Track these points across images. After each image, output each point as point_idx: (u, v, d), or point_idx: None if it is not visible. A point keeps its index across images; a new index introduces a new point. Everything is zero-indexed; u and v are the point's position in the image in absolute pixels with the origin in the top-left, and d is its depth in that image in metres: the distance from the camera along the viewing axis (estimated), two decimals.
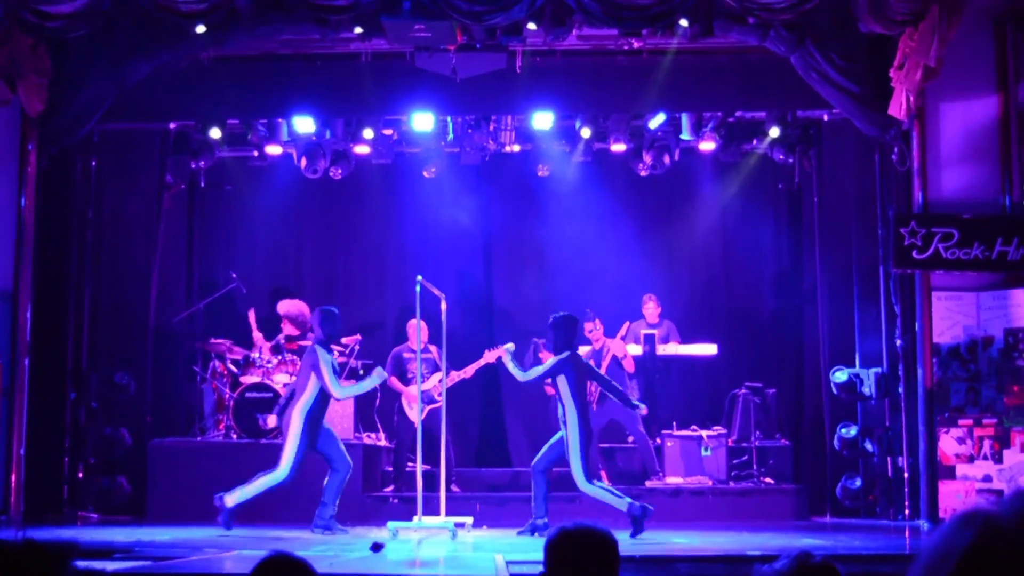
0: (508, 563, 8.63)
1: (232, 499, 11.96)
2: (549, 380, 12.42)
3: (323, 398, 12.10)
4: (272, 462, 12.13)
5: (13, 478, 13.07)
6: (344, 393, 12.41)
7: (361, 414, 15.28)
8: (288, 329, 15.35)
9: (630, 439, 15.15)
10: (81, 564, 2.38)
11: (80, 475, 14.09)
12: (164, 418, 15.21)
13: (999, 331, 13.03)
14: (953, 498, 12.63)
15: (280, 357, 15.06)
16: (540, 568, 4.20)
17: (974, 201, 13.25)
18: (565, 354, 12.15)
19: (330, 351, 12.30)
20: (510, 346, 12.84)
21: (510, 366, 12.50)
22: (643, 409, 13.56)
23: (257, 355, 15.02)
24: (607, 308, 15.64)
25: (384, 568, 8.93)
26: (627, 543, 10.63)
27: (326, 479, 12.10)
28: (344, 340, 15.27)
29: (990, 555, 1.37)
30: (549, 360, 12.40)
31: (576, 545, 4.05)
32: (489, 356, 14.62)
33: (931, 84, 12.63)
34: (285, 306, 15.52)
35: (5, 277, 13.50)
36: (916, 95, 12.53)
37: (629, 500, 11.85)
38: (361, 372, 15.40)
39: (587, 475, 12.01)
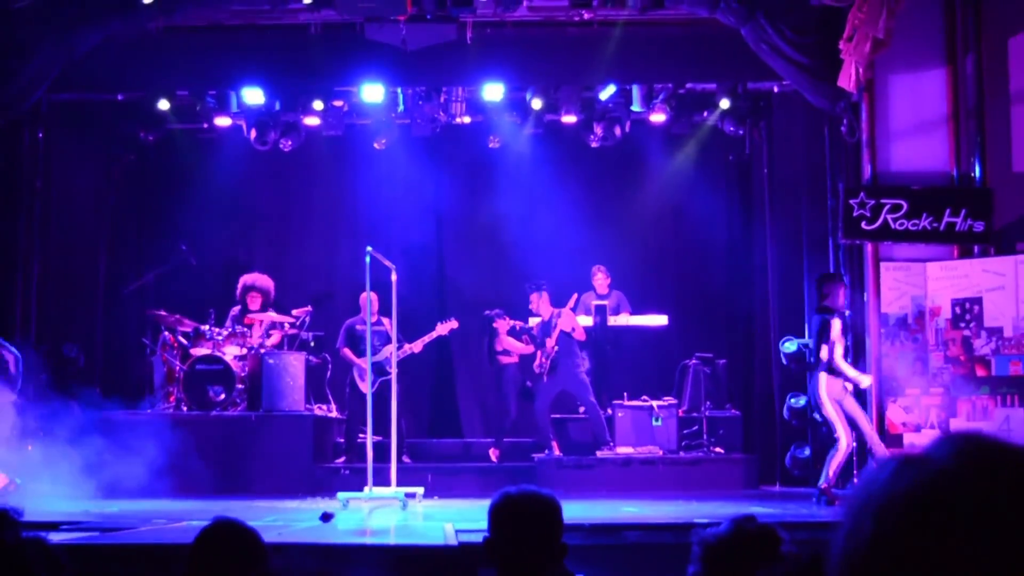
0: (457, 531, 8.65)
1: None
2: None
3: None
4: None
5: None
6: None
7: (312, 385, 15.26)
8: (252, 302, 15.30)
9: (581, 409, 15.21)
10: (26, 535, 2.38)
11: (29, 448, 14.00)
12: (114, 390, 15.13)
13: (947, 301, 13.14)
14: None
15: (231, 329, 15.02)
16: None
17: (923, 173, 13.35)
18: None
19: None
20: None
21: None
22: None
23: (208, 327, 14.95)
24: (558, 279, 15.66)
25: (334, 537, 8.93)
26: (575, 511, 10.68)
27: None
28: (295, 311, 15.28)
29: (936, 496, 1.39)
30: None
31: (520, 509, 4.07)
32: (441, 328, 14.67)
33: (880, 56, 12.68)
34: (253, 277, 15.50)
35: None
36: (865, 67, 12.57)
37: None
38: (312, 343, 15.39)
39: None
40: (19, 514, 2.11)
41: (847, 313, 13.67)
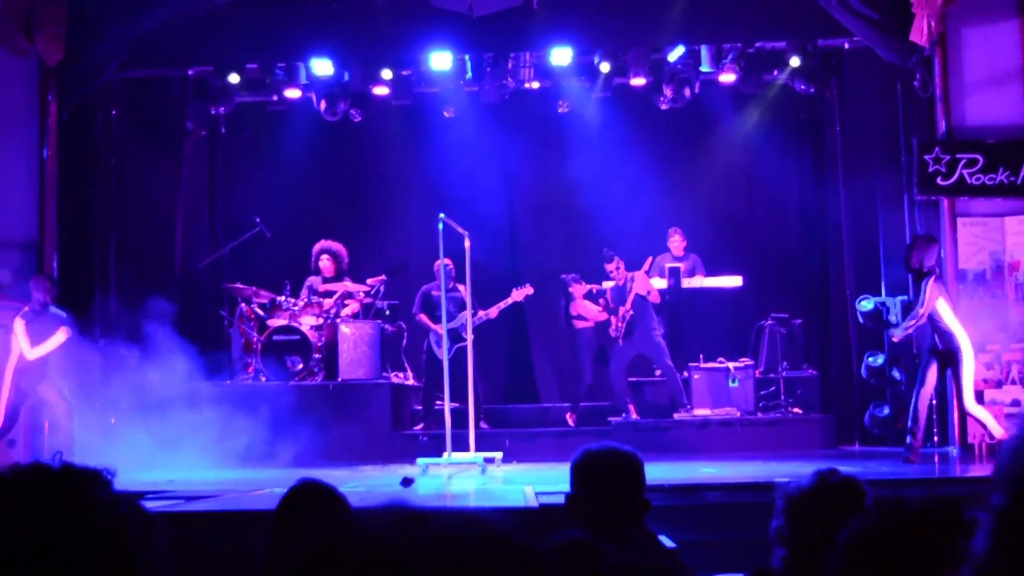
0: (537, 494, 8.68)
1: None
2: None
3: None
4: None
5: (46, 424, 13.19)
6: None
7: (388, 353, 15.35)
8: (325, 266, 15.40)
9: (657, 372, 15.18)
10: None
11: (112, 420, 14.18)
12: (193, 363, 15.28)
13: None
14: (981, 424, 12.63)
15: (307, 299, 15.11)
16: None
17: (998, 126, 13.18)
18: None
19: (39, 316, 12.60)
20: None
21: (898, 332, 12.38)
22: None
23: (283, 298, 15.05)
24: (630, 243, 15.62)
25: (415, 502, 8.98)
26: (655, 472, 10.68)
27: None
28: (369, 281, 15.35)
29: None
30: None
31: (601, 465, 4.08)
32: (516, 295, 14.67)
33: (952, 9, 12.54)
34: (326, 243, 15.62)
35: (31, 227, 13.57)
36: (937, 21, 12.43)
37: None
38: (387, 312, 15.45)
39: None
40: (111, 474, 2.13)
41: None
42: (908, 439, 11.85)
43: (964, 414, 12.31)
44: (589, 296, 15.37)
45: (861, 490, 3.67)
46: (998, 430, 11.89)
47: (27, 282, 12.77)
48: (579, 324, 15.35)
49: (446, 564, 1.33)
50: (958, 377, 11.81)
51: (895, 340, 12.62)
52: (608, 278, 15.13)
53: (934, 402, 12.91)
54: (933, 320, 11.76)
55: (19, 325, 12.41)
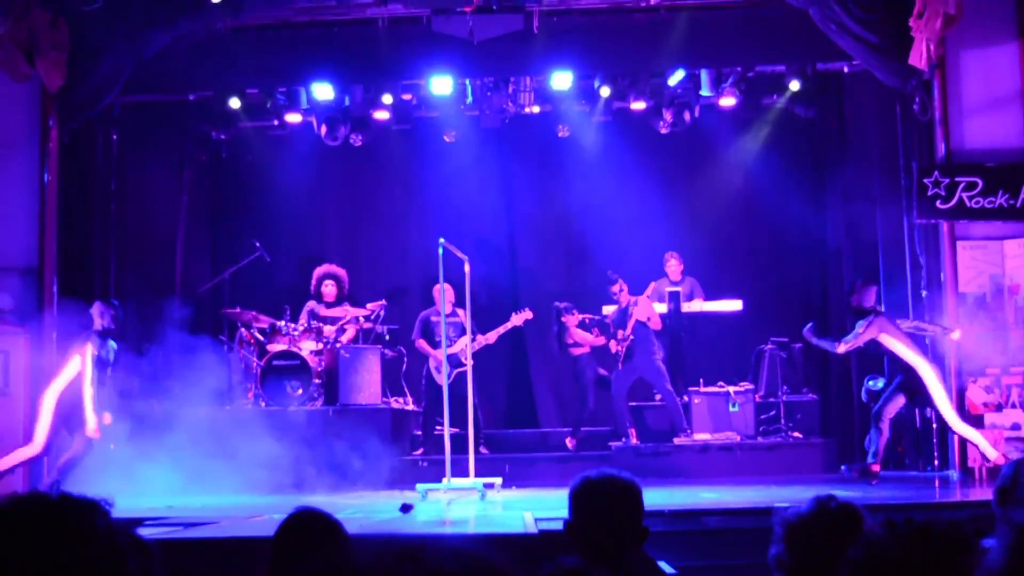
0: (537, 519, 8.66)
1: None
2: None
3: (77, 382, 12.18)
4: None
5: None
6: (88, 393, 12.31)
7: (388, 378, 15.34)
8: (328, 291, 15.40)
9: (657, 397, 15.16)
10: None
11: (112, 447, 14.15)
12: (191, 388, 15.26)
13: None
14: None
15: (307, 324, 15.11)
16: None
17: (997, 149, 13.18)
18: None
19: (103, 344, 12.35)
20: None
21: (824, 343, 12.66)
22: None
23: (283, 323, 15.05)
24: (630, 267, 15.62)
25: (414, 528, 8.98)
26: (655, 498, 10.67)
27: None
28: (369, 305, 15.38)
29: None
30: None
31: (600, 492, 4.08)
32: (516, 319, 14.68)
33: (951, 32, 12.54)
34: (327, 268, 15.63)
35: (31, 252, 13.55)
36: (936, 44, 12.45)
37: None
38: (387, 337, 15.46)
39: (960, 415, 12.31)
40: (109, 504, 2.14)
41: (924, 294, 13.55)
42: (869, 459, 12.16)
43: (962, 439, 12.34)
44: (582, 326, 15.36)
45: (859, 516, 3.68)
46: (992, 452, 11.91)
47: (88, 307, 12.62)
48: (576, 351, 15.34)
49: None
50: (932, 405, 12.05)
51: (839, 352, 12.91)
52: (611, 300, 15.13)
53: (934, 425, 12.91)
54: (892, 354, 12.30)
55: (90, 349, 12.26)
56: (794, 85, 15.49)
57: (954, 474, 12.77)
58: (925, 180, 12.85)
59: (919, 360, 12.17)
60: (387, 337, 15.51)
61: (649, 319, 14.78)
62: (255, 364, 14.85)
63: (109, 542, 2.00)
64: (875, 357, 14.13)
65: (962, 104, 13.26)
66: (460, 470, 12.07)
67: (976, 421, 12.70)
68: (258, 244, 16.17)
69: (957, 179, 12.83)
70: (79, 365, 12.08)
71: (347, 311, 15.27)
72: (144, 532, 8.09)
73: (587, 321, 15.41)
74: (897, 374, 12.49)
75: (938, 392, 12.09)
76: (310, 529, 4.07)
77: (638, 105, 15.93)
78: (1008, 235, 13.08)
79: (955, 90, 13.25)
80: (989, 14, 13.15)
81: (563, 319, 15.27)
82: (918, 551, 2.45)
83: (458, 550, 1.40)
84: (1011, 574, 1.35)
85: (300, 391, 14.53)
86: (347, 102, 15.95)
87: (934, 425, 13.43)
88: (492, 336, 14.82)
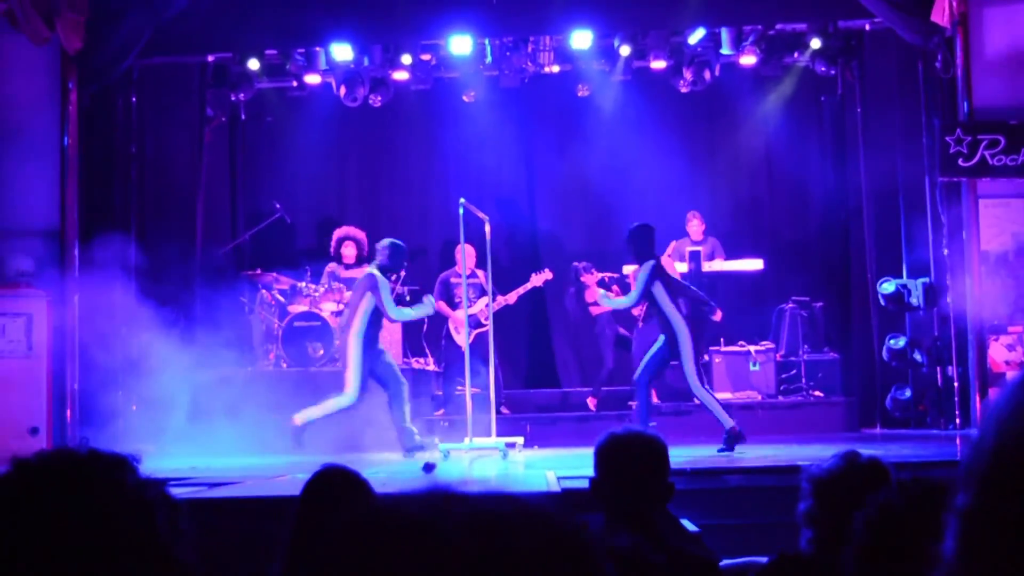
0: (559, 478, 8.69)
1: (301, 418, 12.11)
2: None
3: (376, 321, 12.18)
4: (332, 388, 12.27)
5: (68, 413, 13.23)
6: (399, 316, 12.46)
7: (409, 339, 15.36)
8: (348, 253, 15.39)
9: None
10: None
11: (134, 407, 14.20)
12: (214, 349, 15.31)
13: None
14: None
15: (328, 285, 15.12)
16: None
17: (1020, 107, 13.10)
18: (651, 262, 12.03)
19: (388, 279, 12.36)
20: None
21: (604, 301, 12.50)
22: (718, 314, 13.29)
23: (304, 284, 15.07)
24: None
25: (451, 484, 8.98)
26: (677, 456, 10.69)
27: (390, 407, 12.19)
28: None
29: None
30: (641, 272, 12.11)
31: (626, 449, 4.08)
32: (535, 280, 14.67)
33: None
34: (346, 229, 15.62)
35: (52, 215, 13.59)
36: (959, 1, 12.36)
37: (733, 421, 11.86)
38: (408, 298, 15.46)
39: (700, 379, 11.99)
40: (137, 459, 2.14)
41: (946, 252, 13.49)
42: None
43: (985, 395, 12.31)
44: (602, 284, 15.35)
45: (886, 471, 3.72)
46: (728, 421, 11.81)
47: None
48: (595, 311, 15.34)
49: (489, 540, 1.31)
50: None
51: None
52: (630, 260, 15.12)
53: (955, 384, 12.86)
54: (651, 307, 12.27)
55: (383, 284, 12.28)
56: (815, 43, 15.40)
57: (976, 432, 12.73)
58: (947, 138, 12.79)
59: (677, 316, 12.09)
60: (408, 298, 15.49)
61: None
62: (276, 325, 14.88)
63: (138, 497, 2.01)
64: (897, 316, 14.12)
65: (984, 61, 13.18)
66: (482, 430, 12.10)
67: (997, 380, 12.66)
68: (278, 206, 16.19)
69: (979, 137, 12.76)
70: (371, 302, 12.17)
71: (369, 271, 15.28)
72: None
73: (607, 280, 15.39)
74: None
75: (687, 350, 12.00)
76: (338, 485, 4.08)
77: (658, 64, 15.85)
78: None
79: (977, 47, 13.17)
80: None
81: (582, 279, 15.26)
82: (927, 508, 2.46)
83: (507, 495, 1.39)
84: (962, 565, 1.34)
85: (321, 351, 14.56)
86: (366, 62, 15.89)
87: (955, 384, 13.41)
88: (512, 297, 14.82)
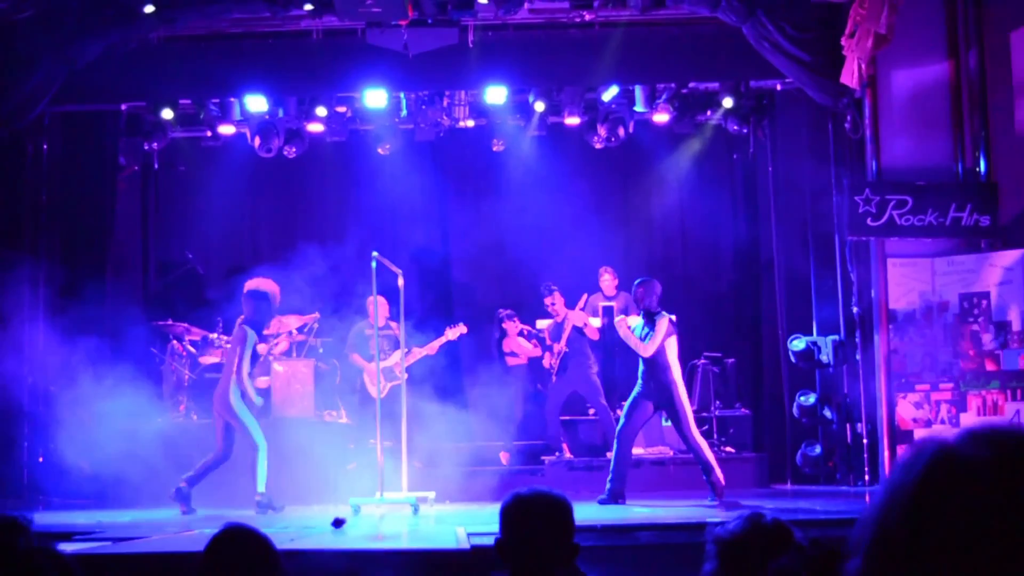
0: (469, 535, 8.64)
1: (261, 487, 12.04)
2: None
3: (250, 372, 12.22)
4: (242, 443, 12.21)
5: None
6: (240, 380, 12.29)
7: (322, 392, 15.25)
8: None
9: (591, 411, 15.17)
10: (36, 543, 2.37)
11: (40, 459, 13.99)
12: (124, 400, 15.12)
13: (954, 296, 13.10)
14: None
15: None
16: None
17: (927, 168, 13.31)
18: (670, 315, 12.23)
19: (259, 333, 12.37)
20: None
21: (632, 340, 12.39)
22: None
23: (216, 335, 14.94)
24: (565, 281, 15.61)
25: (346, 543, 8.92)
26: (588, 512, 10.70)
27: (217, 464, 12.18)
28: (303, 318, 15.26)
29: (946, 479, 1.39)
30: (663, 323, 12.13)
31: (529, 510, 4.07)
32: (450, 334, 14.63)
33: (882, 52, 12.66)
34: (256, 282, 15.50)
35: None
36: (868, 63, 12.55)
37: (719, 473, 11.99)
38: (320, 350, 15.38)
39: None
40: (29, 521, 2.11)
41: (855, 310, 13.66)
42: (610, 484, 12.26)
43: (893, 451, 12.44)
44: (522, 335, 15.38)
45: (789, 532, 3.71)
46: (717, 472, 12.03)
47: None
48: (512, 361, 15.36)
49: None
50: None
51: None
52: (545, 313, 15.14)
53: (864, 440, 13.00)
54: (656, 358, 12.16)
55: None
56: (727, 102, 15.58)
57: None
58: (856, 197, 12.96)
59: (677, 368, 12.29)
60: (320, 350, 15.42)
61: (585, 325, 14.80)
62: (187, 376, 14.73)
63: (28, 561, 1.97)
64: (807, 373, 14.25)
65: (893, 122, 13.40)
66: (393, 484, 12.03)
67: (906, 437, 12.80)
68: (190, 255, 16.07)
69: (888, 197, 12.95)
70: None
71: (280, 324, 15.17)
72: (72, 547, 8.02)
73: (526, 332, 15.42)
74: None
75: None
76: (239, 546, 4.03)
77: (572, 120, 15.97)
78: (937, 252, 13.22)
79: (886, 109, 13.38)
80: (919, 34, 13.29)
81: (504, 325, 15.28)
82: (824, 573, 2.49)
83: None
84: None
85: None
86: (281, 114, 15.86)
87: (864, 440, 13.54)
88: (426, 350, 14.78)
